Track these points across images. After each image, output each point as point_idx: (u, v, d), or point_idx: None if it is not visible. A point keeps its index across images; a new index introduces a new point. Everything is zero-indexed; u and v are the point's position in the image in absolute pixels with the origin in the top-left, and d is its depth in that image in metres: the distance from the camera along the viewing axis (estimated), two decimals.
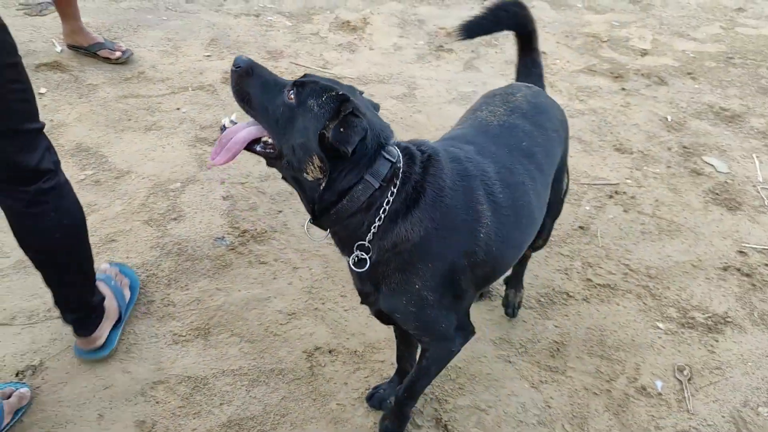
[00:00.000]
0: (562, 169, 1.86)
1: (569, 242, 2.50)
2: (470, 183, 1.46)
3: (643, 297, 2.29)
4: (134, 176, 2.60)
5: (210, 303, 2.10)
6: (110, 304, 1.93)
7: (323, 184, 1.36)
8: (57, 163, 1.63)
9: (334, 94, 1.36)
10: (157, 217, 2.41)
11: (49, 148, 1.61)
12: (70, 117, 2.89)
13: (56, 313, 1.99)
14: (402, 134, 3.01)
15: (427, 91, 3.39)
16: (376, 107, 1.53)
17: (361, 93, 1.51)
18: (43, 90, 3.02)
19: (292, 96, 1.37)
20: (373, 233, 1.39)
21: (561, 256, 2.43)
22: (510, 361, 2.02)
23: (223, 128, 1.44)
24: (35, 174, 1.56)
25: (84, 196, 2.45)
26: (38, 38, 3.46)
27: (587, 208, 2.68)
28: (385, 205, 1.37)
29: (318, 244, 2.36)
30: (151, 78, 3.25)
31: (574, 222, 2.60)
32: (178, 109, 3.03)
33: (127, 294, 2.04)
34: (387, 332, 2.05)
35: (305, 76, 1.42)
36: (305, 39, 3.80)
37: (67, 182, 1.65)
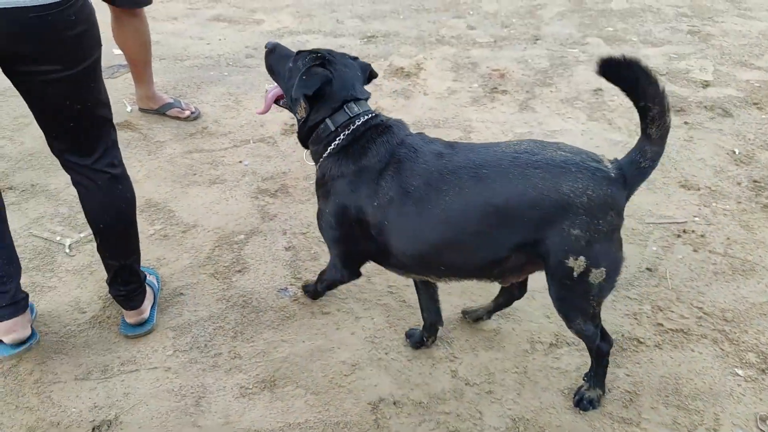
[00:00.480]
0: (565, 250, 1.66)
1: (637, 285, 2.42)
2: (392, 165, 1.75)
3: (720, 342, 2.19)
4: (200, 229, 2.69)
5: (275, 355, 2.13)
6: (149, 289, 2.25)
7: (304, 120, 1.89)
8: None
9: (313, 56, 1.86)
10: (223, 270, 2.48)
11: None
12: (140, 174, 3.02)
13: (129, 367, 2.07)
14: None
15: (482, 134, 3.40)
16: (366, 68, 1.98)
17: (356, 58, 1.96)
18: None
19: (291, 63, 1.92)
20: (321, 161, 1.89)
21: (629, 300, 2.36)
22: (580, 413, 1.96)
23: (269, 89, 2.07)
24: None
25: (153, 251, 2.55)
26: (111, 100, 3.65)
27: (654, 248, 2.60)
28: (333, 144, 1.84)
29: (380, 293, 2.37)
30: (214, 132, 3.38)
31: (640, 263, 2.52)
32: (240, 161, 3.13)
33: (155, 282, 2.35)
34: (452, 383, 2.03)
35: (307, 49, 1.93)
36: None
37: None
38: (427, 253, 1.78)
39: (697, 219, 2.76)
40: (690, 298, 2.37)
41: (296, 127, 1.98)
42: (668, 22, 4.85)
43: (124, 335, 2.19)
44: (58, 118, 1.80)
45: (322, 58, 1.84)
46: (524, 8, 5.11)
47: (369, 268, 2.45)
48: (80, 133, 1.85)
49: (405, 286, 2.40)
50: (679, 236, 2.66)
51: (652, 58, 4.21)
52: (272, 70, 2.01)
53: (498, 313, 2.26)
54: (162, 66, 4.04)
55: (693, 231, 2.69)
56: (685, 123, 3.47)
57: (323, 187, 1.89)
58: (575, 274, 1.67)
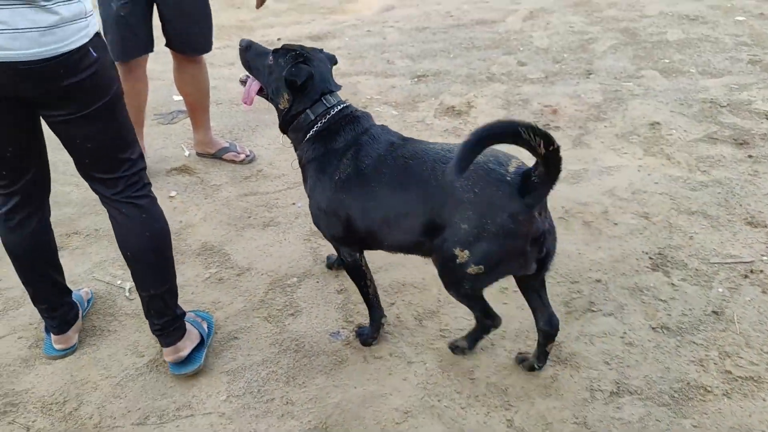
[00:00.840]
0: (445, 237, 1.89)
1: (702, 329, 2.31)
2: (353, 147, 2.07)
3: None
4: (254, 272, 2.73)
5: (327, 401, 2.12)
6: (191, 328, 2.25)
7: (287, 110, 2.16)
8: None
9: (294, 53, 2.12)
10: (276, 313, 2.50)
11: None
12: (197, 218, 3.10)
13: (185, 412, 2.09)
14: None
15: None
16: (333, 59, 2.27)
17: (321, 50, 2.23)
18: (173, 193, 3.28)
19: (271, 59, 2.15)
20: (300, 146, 2.18)
21: (694, 345, 2.25)
22: None
23: (243, 81, 2.29)
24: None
25: (209, 295, 2.60)
26: (169, 144, 3.80)
27: (720, 290, 2.48)
28: (311, 131, 2.12)
29: (432, 337, 2.34)
30: (269, 175, 3.45)
31: (706, 306, 2.41)
32: (293, 203, 3.18)
33: (205, 326, 2.33)
34: (507, 431, 1.97)
35: (282, 46, 2.19)
36: (412, 126, 3.91)
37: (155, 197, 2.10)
38: (371, 226, 2.05)
39: (765, 258, 2.63)
40: (760, 342, 2.24)
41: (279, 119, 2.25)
42: (727, 52, 4.72)
43: (173, 374, 2.21)
44: (76, 154, 1.94)
45: (302, 56, 2.12)
46: (576, 43, 5.07)
47: (420, 310, 2.43)
48: (98, 169, 1.96)
49: (458, 329, 2.36)
50: (746, 277, 2.54)
51: (711, 89, 4.10)
52: (250, 66, 2.25)
53: (554, 358, 2.19)
54: (219, 110, 4.17)
55: (761, 271, 2.56)
56: (749, 157, 3.34)
57: (302, 169, 2.22)
58: (458, 262, 1.87)
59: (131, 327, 2.46)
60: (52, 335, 2.30)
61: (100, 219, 3.08)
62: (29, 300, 2.44)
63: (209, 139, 3.55)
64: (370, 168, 2.01)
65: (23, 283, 2.21)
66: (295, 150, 2.23)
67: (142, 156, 2.06)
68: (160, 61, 4.16)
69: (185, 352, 2.20)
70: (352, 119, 2.12)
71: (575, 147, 3.58)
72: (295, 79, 2.06)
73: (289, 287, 2.64)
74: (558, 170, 1.71)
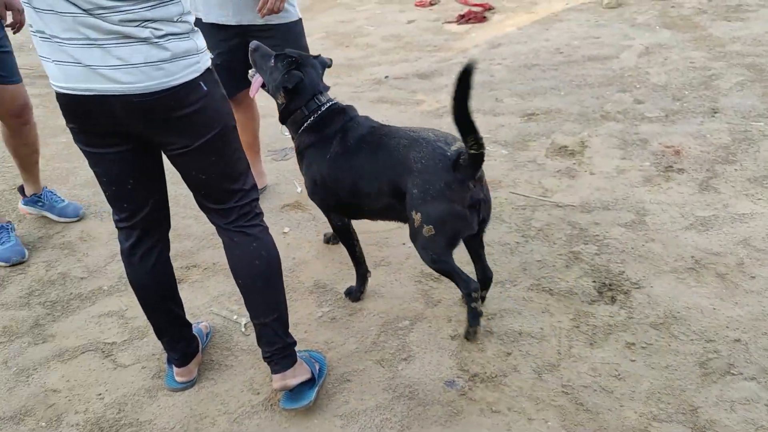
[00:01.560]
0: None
1: None
2: (341, 132, 2.52)
3: None
4: (366, 313, 2.71)
5: None
6: (301, 362, 2.26)
7: (284, 106, 2.59)
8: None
9: (290, 60, 2.52)
10: (389, 357, 2.46)
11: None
12: (310, 255, 3.14)
13: None
14: (633, 265, 2.82)
15: (659, 217, 3.16)
16: (325, 64, 2.69)
17: (318, 56, 2.67)
18: (286, 229, 3.35)
19: (272, 62, 2.54)
20: (297, 136, 2.61)
21: None
22: None
23: (252, 75, 2.66)
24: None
25: (322, 334, 2.60)
26: (282, 181, 3.89)
27: None
28: (305, 124, 2.56)
29: (554, 393, 2.21)
30: None
31: None
32: (403, 243, 3.15)
33: (317, 367, 2.32)
34: None
35: (284, 51, 2.59)
36: (522, 167, 3.81)
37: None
38: (355, 196, 2.50)
39: None
40: None
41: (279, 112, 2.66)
42: None
43: (285, 411, 2.22)
44: (192, 186, 2.05)
45: (296, 62, 2.52)
46: (697, 79, 4.81)
47: (540, 363, 2.31)
48: (212, 200, 2.05)
49: (581, 386, 2.23)
50: None
51: None
52: (256, 65, 2.62)
53: (690, 425, 2.02)
54: None
55: None
56: None
57: (299, 156, 2.64)
58: (416, 224, 2.31)
59: (247, 363, 2.49)
60: (174, 367, 2.36)
61: (218, 252, 3.18)
62: (152, 331, 2.54)
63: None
64: (354, 146, 2.47)
65: (147, 316, 2.29)
66: (293, 139, 2.66)
67: (254, 187, 2.12)
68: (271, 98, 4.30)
69: (293, 382, 2.18)
70: (339, 111, 2.56)
71: (702, 191, 3.35)
72: (287, 85, 2.48)
73: (401, 330, 2.59)
74: (479, 165, 2.23)
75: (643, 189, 3.44)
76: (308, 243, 3.24)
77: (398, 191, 2.36)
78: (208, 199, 2.05)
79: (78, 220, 3.58)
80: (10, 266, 3.17)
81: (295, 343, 2.22)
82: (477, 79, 5.26)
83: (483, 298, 2.61)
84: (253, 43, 2.65)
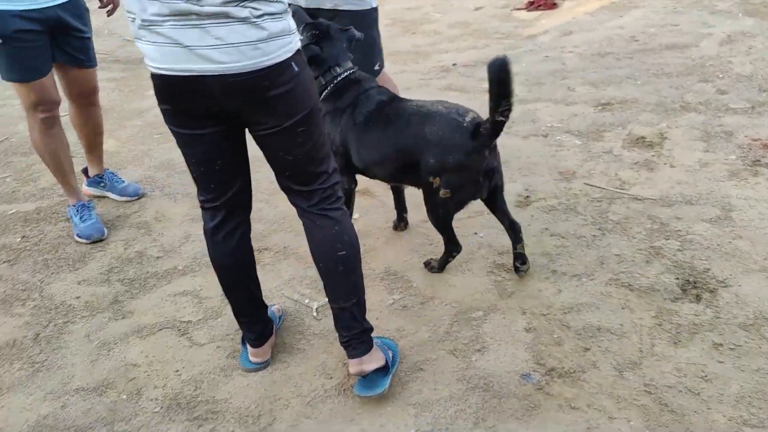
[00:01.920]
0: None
1: None
2: (351, 106, 2.64)
3: None
4: (438, 302, 2.68)
5: None
6: (377, 348, 2.24)
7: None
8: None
9: (312, 33, 2.59)
10: (462, 347, 2.42)
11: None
12: (380, 242, 3.12)
13: None
14: (719, 262, 2.69)
15: (746, 213, 3.01)
16: (353, 38, 2.71)
17: (348, 29, 2.70)
18: (356, 215, 3.34)
19: (301, 30, 2.54)
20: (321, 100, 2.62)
21: None
22: None
23: None
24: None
25: (393, 321, 2.58)
26: None
27: None
28: (323, 93, 2.64)
29: (636, 392, 2.13)
30: None
31: None
32: (475, 233, 3.10)
33: (390, 355, 2.30)
34: None
35: (313, 21, 2.68)
36: (597, 158, 3.69)
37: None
38: (365, 165, 2.67)
39: None
40: None
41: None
42: None
43: (359, 398, 2.21)
44: (277, 167, 2.06)
45: (317, 36, 2.59)
46: None
47: (620, 360, 2.23)
48: (296, 181, 2.06)
49: (665, 386, 2.14)
50: None
51: None
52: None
53: None
54: None
55: None
56: None
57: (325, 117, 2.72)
58: (434, 187, 2.49)
59: (319, 347, 2.50)
60: (249, 348, 2.39)
61: (289, 237, 3.21)
62: (227, 310, 2.58)
63: None
64: (362, 122, 2.61)
65: (226, 296, 2.32)
66: None
67: (336, 170, 2.12)
68: None
69: (369, 367, 2.18)
70: (354, 83, 2.66)
71: None
72: (306, 55, 2.56)
73: (474, 321, 2.55)
74: (498, 133, 2.39)
75: (729, 183, 3.28)
76: (378, 230, 3.23)
77: (410, 162, 2.52)
78: (292, 180, 2.05)
79: (138, 199, 3.68)
80: (90, 243, 3.28)
81: (371, 329, 2.21)
82: (548, 67, 5.16)
83: (521, 255, 2.73)
84: (293, 6, 2.60)
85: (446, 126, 2.44)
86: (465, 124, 2.42)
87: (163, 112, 1.95)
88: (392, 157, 2.59)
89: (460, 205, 2.59)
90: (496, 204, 2.70)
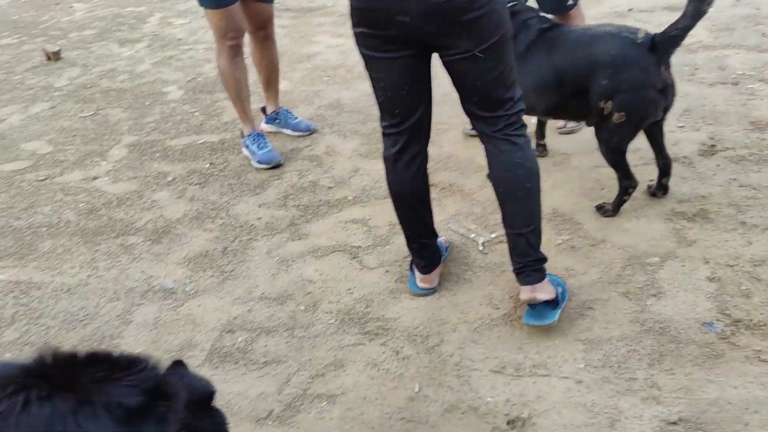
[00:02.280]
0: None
1: None
2: (532, 42, 2.59)
3: None
4: (609, 245, 2.59)
5: (700, 395, 1.90)
6: (548, 282, 2.21)
7: None
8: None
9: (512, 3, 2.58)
10: (635, 291, 2.33)
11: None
12: (547, 184, 3.03)
13: (541, 371, 2.07)
14: None
15: None
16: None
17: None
18: None
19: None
20: None
21: None
22: None
23: None
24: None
25: (561, 261, 2.54)
26: None
27: None
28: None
29: None
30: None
31: None
32: (651, 181, 2.93)
33: (560, 290, 2.25)
34: None
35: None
36: None
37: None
38: (525, 97, 2.22)
39: None
40: None
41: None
42: None
43: (528, 326, 2.21)
44: (465, 92, 2.06)
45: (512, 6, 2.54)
46: None
47: None
48: (482, 107, 2.05)
49: None
50: None
51: None
52: None
53: None
54: None
55: None
56: None
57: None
58: (605, 113, 2.42)
59: (485, 279, 2.52)
60: (417, 274, 2.47)
61: (453, 175, 3.23)
62: (395, 239, 2.67)
63: None
64: (525, 49, 2.57)
65: (401, 222, 2.40)
66: None
67: (521, 98, 2.10)
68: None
69: (541, 296, 2.16)
70: (512, 15, 2.40)
71: None
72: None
73: (649, 266, 2.44)
74: (676, 47, 2.35)
75: None
76: (545, 173, 3.09)
77: (577, 89, 2.48)
78: (479, 106, 2.05)
79: (309, 134, 3.86)
80: (269, 168, 3.52)
81: (546, 259, 2.19)
82: (739, 12, 4.69)
83: (666, 187, 2.76)
84: None
85: (618, 44, 2.37)
86: (639, 41, 2.36)
87: (358, 35, 2.02)
88: (557, 84, 2.54)
89: (637, 129, 2.50)
90: (655, 127, 2.61)
